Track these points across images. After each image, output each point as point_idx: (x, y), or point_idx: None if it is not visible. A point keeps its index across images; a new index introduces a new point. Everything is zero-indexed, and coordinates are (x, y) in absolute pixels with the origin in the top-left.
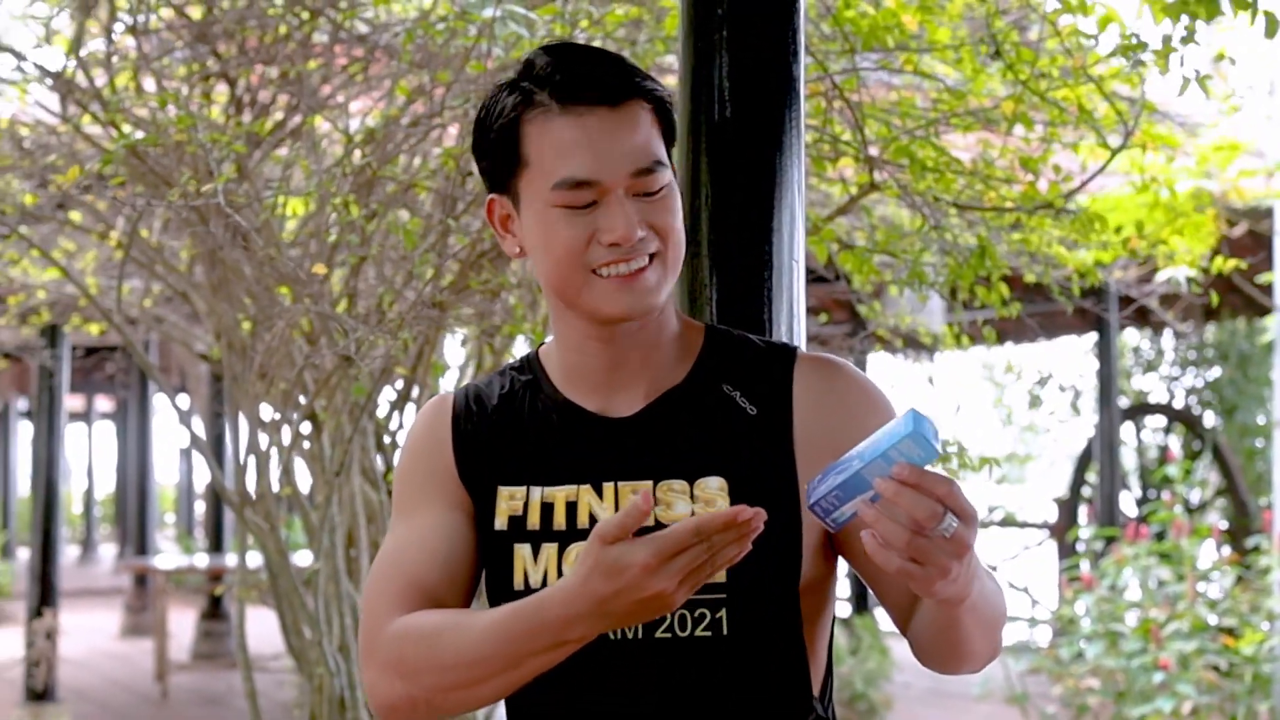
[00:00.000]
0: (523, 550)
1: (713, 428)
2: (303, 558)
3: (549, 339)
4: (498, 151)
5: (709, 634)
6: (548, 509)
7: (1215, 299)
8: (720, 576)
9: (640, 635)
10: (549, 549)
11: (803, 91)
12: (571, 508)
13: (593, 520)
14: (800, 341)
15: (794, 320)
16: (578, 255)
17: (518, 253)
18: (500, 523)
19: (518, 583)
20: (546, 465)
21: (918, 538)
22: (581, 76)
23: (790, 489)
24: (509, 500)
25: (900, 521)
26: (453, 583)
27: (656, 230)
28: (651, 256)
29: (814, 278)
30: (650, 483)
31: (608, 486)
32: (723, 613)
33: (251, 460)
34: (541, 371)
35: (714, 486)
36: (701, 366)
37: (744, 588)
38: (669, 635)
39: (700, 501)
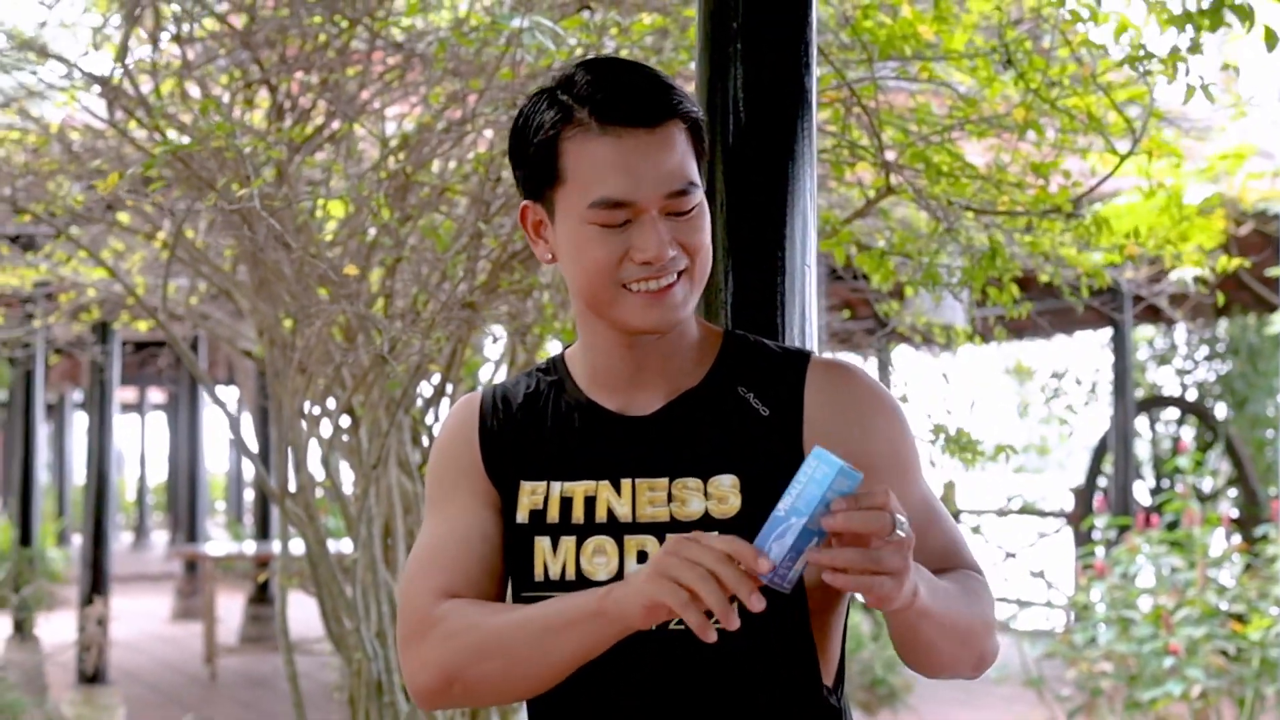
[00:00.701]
0: (542, 543)
1: (727, 428)
2: (342, 546)
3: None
4: (536, 164)
5: (717, 628)
6: (566, 503)
7: (1221, 299)
8: None
9: (652, 628)
10: (567, 542)
11: (814, 102)
12: (590, 502)
13: (610, 515)
14: (812, 343)
15: (806, 323)
16: (610, 271)
17: (550, 259)
18: (521, 516)
19: (538, 574)
20: (567, 462)
21: (873, 550)
22: (621, 97)
23: None
24: (530, 495)
25: (853, 544)
26: (486, 574)
27: (686, 248)
28: (680, 273)
29: (837, 276)
30: (666, 479)
31: (625, 483)
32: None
33: (292, 453)
34: (566, 373)
35: (727, 484)
36: (718, 369)
37: None
38: (680, 628)
39: (713, 499)
